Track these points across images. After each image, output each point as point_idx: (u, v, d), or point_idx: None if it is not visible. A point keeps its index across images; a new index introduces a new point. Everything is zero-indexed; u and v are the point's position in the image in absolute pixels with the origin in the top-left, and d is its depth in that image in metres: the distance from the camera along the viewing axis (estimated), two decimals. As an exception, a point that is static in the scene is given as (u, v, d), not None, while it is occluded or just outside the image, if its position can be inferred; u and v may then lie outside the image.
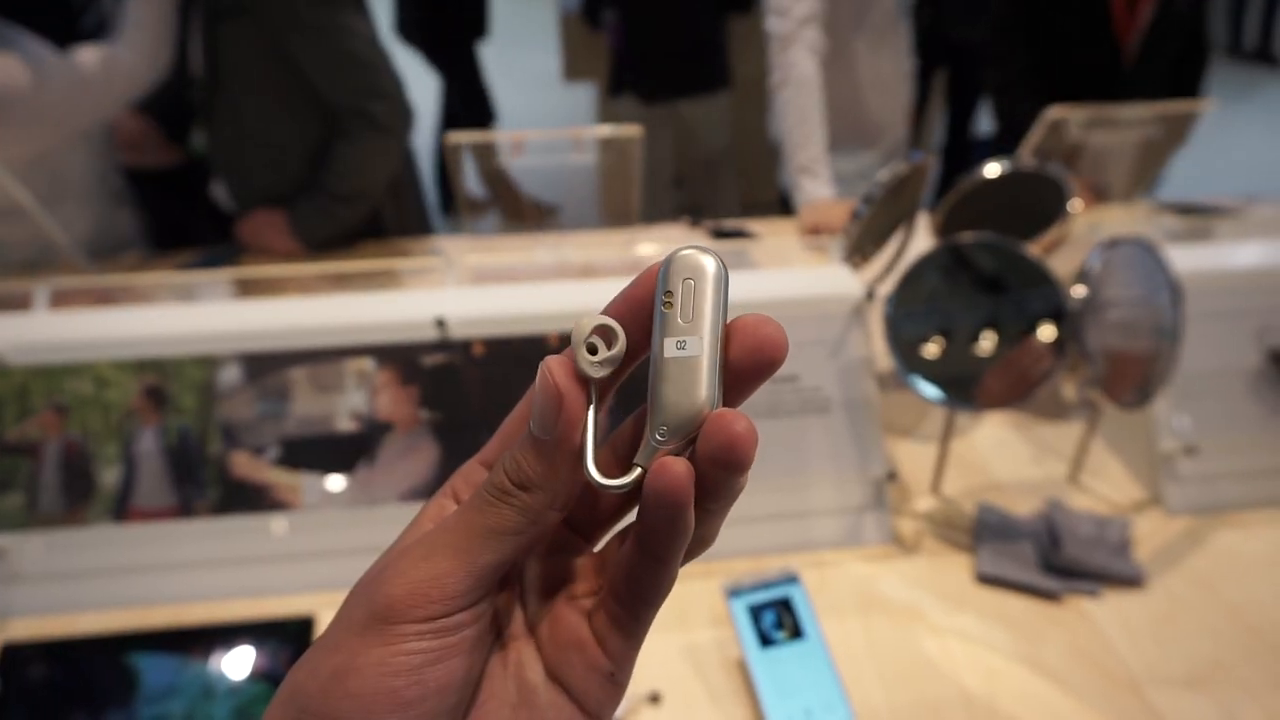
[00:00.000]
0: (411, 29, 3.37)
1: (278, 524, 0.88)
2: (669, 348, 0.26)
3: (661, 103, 2.43)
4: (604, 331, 0.27)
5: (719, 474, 0.25)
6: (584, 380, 0.26)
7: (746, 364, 0.26)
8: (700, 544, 0.28)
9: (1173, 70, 1.76)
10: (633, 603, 0.27)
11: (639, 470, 0.26)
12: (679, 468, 0.25)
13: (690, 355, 0.26)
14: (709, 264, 0.26)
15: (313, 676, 0.26)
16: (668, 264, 0.27)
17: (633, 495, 0.27)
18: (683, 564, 0.28)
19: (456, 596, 0.26)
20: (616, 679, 0.28)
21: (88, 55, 1.33)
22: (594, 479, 0.26)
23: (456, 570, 0.26)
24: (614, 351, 0.26)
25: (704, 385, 0.26)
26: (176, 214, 1.74)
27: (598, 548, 0.31)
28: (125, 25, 1.36)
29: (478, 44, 3.52)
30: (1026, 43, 1.73)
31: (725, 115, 2.51)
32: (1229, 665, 0.79)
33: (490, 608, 0.28)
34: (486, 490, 0.27)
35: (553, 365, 0.26)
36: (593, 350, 0.26)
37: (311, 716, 0.25)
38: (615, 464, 0.29)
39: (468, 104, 3.56)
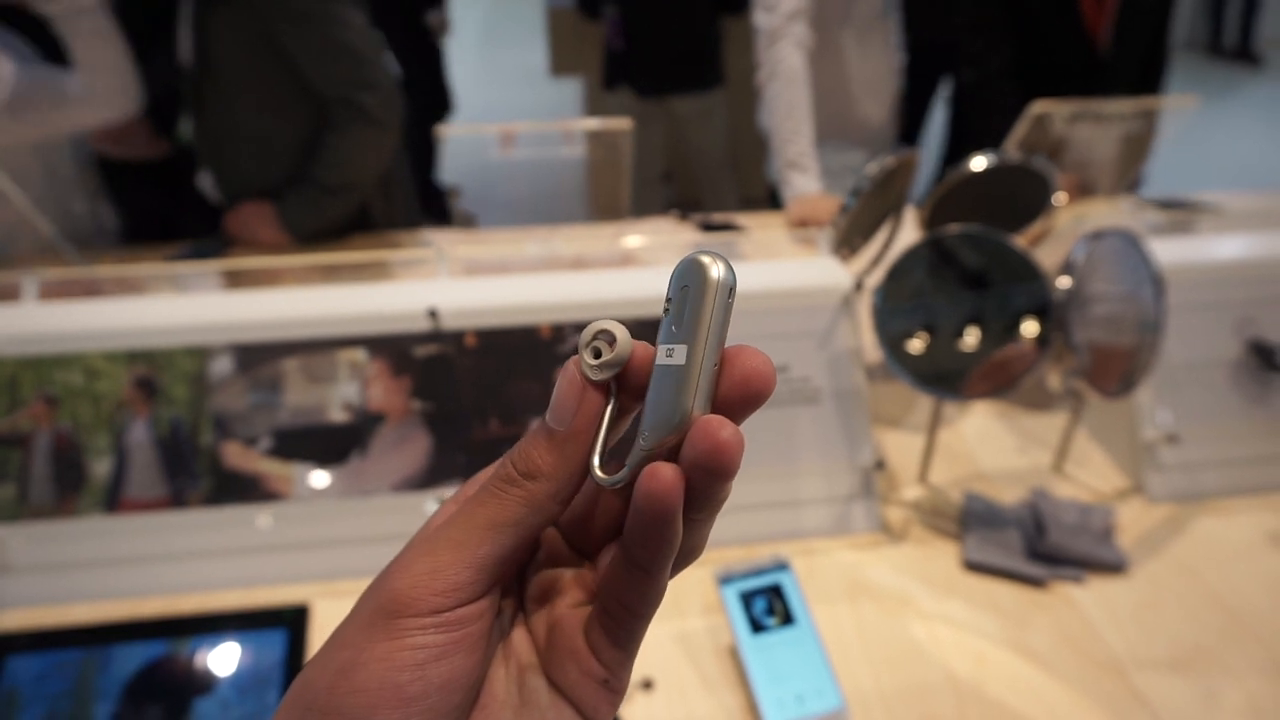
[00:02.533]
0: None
1: (270, 515, 0.88)
2: (660, 354, 0.26)
3: (656, 98, 2.44)
4: (607, 336, 0.27)
5: (703, 480, 0.25)
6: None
7: (734, 395, 0.26)
8: (688, 554, 0.28)
9: (1144, 59, 1.79)
10: (622, 614, 0.28)
11: (627, 469, 0.27)
12: (668, 473, 0.25)
13: (675, 364, 0.26)
14: (710, 271, 0.26)
15: (320, 672, 0.26)
16: (676, 268, 0.27)
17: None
18: (671, 576, 0.28)
19: (458, 589, 0.26)
20: (611, 685, 0.29)
21: (39, 79, 1.30)
22: (595, 473, 0.28)
23: (456, 562, 0.26)
24: (613, 356, 0.27)
25: (684, 394, 0.26)
26: (162, 206, 1.73)
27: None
28: (76, 68, 1.32)
29: (441, 38, 3.51)
30: (1000, 40, 1.75)
31: (718, 113, 2.53)
32: (1210, 648, 0.81)
33: (494, 608, 0.28)
34: (491, 483, 0.28)
35: (577, 363, 0.28)
36: (596, 354, 0.27)
37: (318, 712, 0.26)
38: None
39: (426, 98, 3.57)
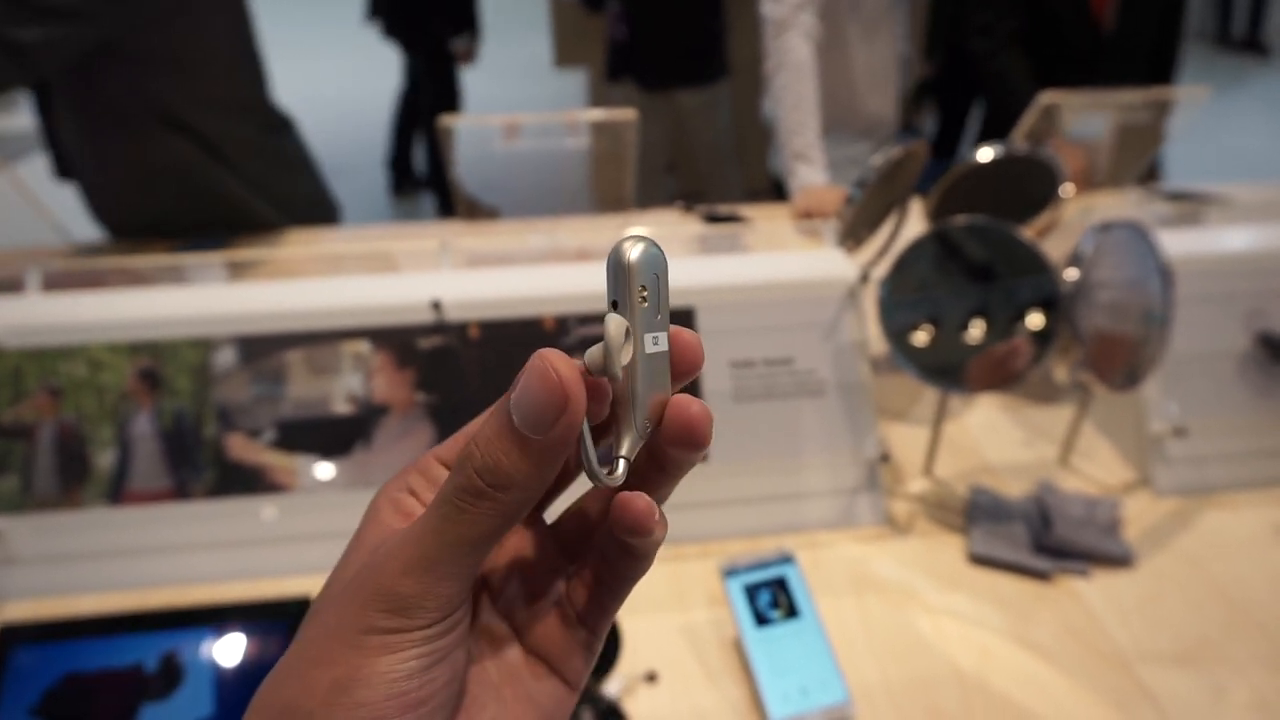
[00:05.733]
0: (398, 27, 3.43)
1: (274, 506, 0.88)
2: (648, 344, 0.26)
3: (660, 91, 2.43)
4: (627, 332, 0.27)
5: (681, 454, 0.27)
6: (585, 379, 0.26)
7: (674, 374, 0.28)
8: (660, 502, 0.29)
9: (1154, 41, 1.79)
10: (614, 583, 0.29)
11: (624, 462, 0.27)
12: (640, 504, 0.26)
13: (662, 350, 0.27)
14: (663, 255, 0.27)
15: (308, 693, 0.25)
16: (633, 256, 0.26)
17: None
18: None
19: (446, 604, 0.26)
20: (593, 647, 0.29)
21: None
22: (600, 478, 0.27)
23: (441, 582, 0.25)
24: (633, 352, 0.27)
25: (668, 379, 0.27)
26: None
27: (551, 519, 0.32)
28: None
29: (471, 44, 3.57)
30: (1009, 11, 1.76)
31: (722, 104, 2.51)
32: (1216, 642, 0.81)
33: (471, 599, 0.28)
34: (455, 498, 0.25)
35: (555, 361, 0.25)
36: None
37: None
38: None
39: (439, 100, 3.64)
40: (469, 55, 3.53)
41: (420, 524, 0.26)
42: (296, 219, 1.56)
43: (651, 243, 0.26)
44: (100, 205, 1.51)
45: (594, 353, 0.26)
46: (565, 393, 0.24)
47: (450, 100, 3.69)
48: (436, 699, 0.26)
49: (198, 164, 1.42)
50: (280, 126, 1.56)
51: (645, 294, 0.26)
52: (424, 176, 3.91)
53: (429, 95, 3.65)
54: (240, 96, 1.47)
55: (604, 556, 0.29)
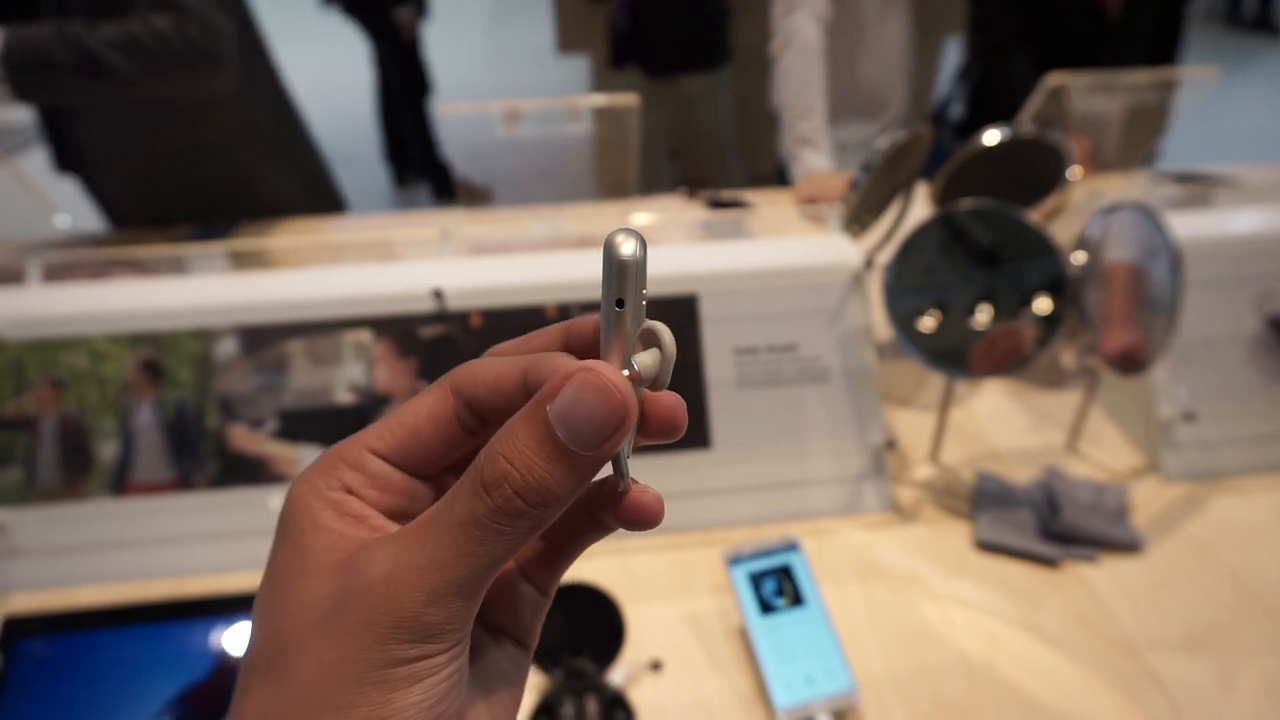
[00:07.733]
0: (352, 5, 3.43)
1: (277, 497, 0.88)
2: None
3: (664, 78, 2.41)
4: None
5: (655, 442, 0.27)
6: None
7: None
8: None
9: (1158, 27, 1.77)
10: (574, 548, 0.29)
11: (626, 460, 0.27)
12: (651, 500, 0.27)
13: None
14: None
15: None
16: (635, 252, 0.25)
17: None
18: None
19: (470, 620, 0.25)
20: (546, 607, 0.30)
21: None
22: (627, 483, 0.27)
23: (469, 604, 0.25)
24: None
25: None
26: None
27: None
28: None
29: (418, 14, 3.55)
30: (1010, 5, 1.74)
31: (725, 89, 2.49)
32: (1226, 629, 0.80)
33: None
34: (491, 521, 0.24)
35: (610, 375, 0.24)
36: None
37: None
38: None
39: (407, 80, 3.63)
40: (412, 27, 3.50)
41: (439, 546, 0.24)
42: (300, 206, 1.56)
43: (641, 237, 0.25)
44: (107, 193, 1.51)
45: (646, 361, 0.25)
46: (626, 409, 0.24)
47: (418, 78, 3.66)
48: (458, 707, 0.25)
49: (202, 149, 1.42)
50: (284, 112, 1.55)
51: (645, 292, 0.26)
52: (452, 166, 3.87)
53: (397, 77, 3.65)
54: (244, 82, 1.46)
55: (569, 528, 0.28)
